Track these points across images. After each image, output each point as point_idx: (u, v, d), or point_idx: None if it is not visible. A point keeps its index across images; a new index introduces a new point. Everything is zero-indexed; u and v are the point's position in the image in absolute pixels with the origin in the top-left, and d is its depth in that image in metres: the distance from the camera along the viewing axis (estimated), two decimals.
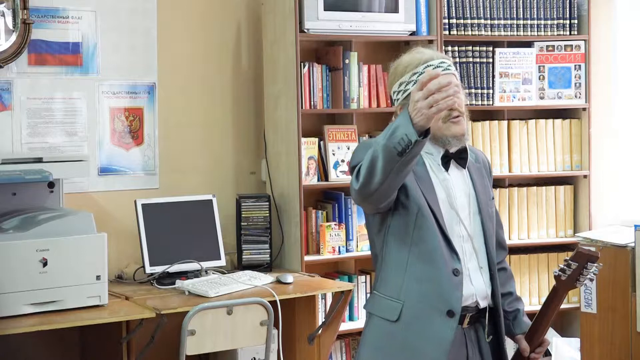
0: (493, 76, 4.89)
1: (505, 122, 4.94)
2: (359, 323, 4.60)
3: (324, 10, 4.45)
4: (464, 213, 2.66)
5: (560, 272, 2.69)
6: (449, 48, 4.79)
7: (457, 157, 2.68)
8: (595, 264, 2.66)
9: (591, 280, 2.69)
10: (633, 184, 4.84)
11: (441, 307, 2.58)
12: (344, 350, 4.72)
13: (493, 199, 2.81)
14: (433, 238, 2.59)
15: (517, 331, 2.80)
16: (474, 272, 2.65)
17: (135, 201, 4.24)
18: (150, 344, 3.84)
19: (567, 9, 4.94)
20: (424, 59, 2.64)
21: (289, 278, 4.22)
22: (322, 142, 4.61)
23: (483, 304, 2.67)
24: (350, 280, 4.61)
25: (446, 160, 2.67)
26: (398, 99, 2.66)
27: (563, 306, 4.94)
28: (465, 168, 2.71)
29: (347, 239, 4.60)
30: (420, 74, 2.60)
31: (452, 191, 2.66)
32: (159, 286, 4.14)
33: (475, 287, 2.64)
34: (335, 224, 4.56)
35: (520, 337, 2.78)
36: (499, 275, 2.80)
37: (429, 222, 2.59)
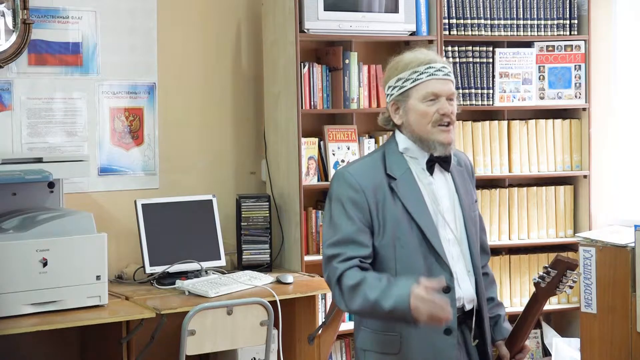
0: (493, 76, 4.89)
1: (505, 122, 4.94)
2: None
3: (324, 10, 4.45)
4: (449, 217, 2.65)
5: (539, 280, 2.69)
6: (449, 48, 4.79)
7: (440, 160, 2.67)
8: (575, 272, 2.66)
9: (571, 287, 2.69)
10: (633, 184, 4.84)
11: (438, 327, 2.57)
12: (344, 350, 4.72)
13: (476, 202, 2.81)
14: (418, 263, 2.58)
15: (497, 337, 2.79)
16: (462, 276, 2.64)
17: (135, 201, 4.24)
18: (150, 344, 3.84)
19: (567, 9, 4.94)
20: (427, 60, 2.63)
21: (289, 278, 4.22)
22: (322, 142, 4.61)
23: (469, 306, 2.66)
24: None
25: (431, 165, 2.66)
26: (392, 94, 2.65)
27: (563, 306, 4.98)
28: (448, 172, 2.70)
29: None
30: (420, 73, 2.60)
31: (437, 195, 2.65)
32: (159, 286, 4.14)
33: (463, 291, 2.64)
34: None
35: (500, 342, 2.77)
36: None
37: (411, 247, 2.58)
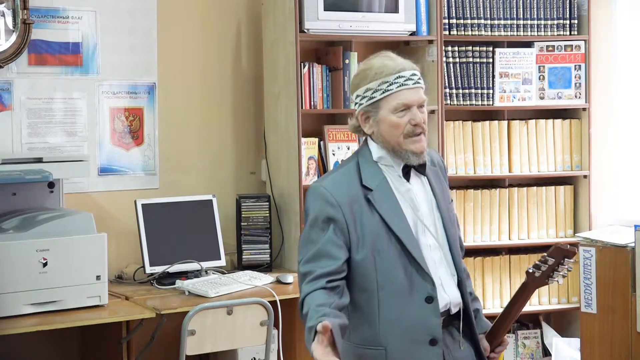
0: (493, 76, 4.89)
1: (505, 122, 4.94)
2: None
3: (324, 10, 4.45)
4: (428, 221, 2.62)
5: (534, 269, 2.67)
6: (449, 48, 4.79)
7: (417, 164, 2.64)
8: (572, 260, 2.65)
9: (564, 276, 2.67)
10: (633, 184, 4.84)
11: (423, 338, 2.56)
12: None
13: (452, 201, 2.78)
14: (399, 274, 2.55)
15: (478, 330, 2.76)
16: (446, 280, 2.62)
17: (135, 201, 4.24)
18: (150, 344, 3.85)
19: (567, 9, 4.94)
20: (397, 69, 2.57)
21: (289, 278, 4.22)
22: (322, 142, 4.61)
23: (454, 309, 2.64)
24: None
25: (407, 171, 2.63)
26: (362, 104, 2.61)
27: (563, 306, 4.98)
28: (425, 175, 2.67)
29: None
30: (390, 84, 2.56)
31: (416, 201, 2.62)
32: (159, 286, 4.14)
33: (449, 295, 2.61)
34: None
35: (481, 336, 2.74)
36: None
37: (390, 259, 2.55)
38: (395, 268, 2.56)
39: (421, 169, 2.64)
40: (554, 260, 2.64)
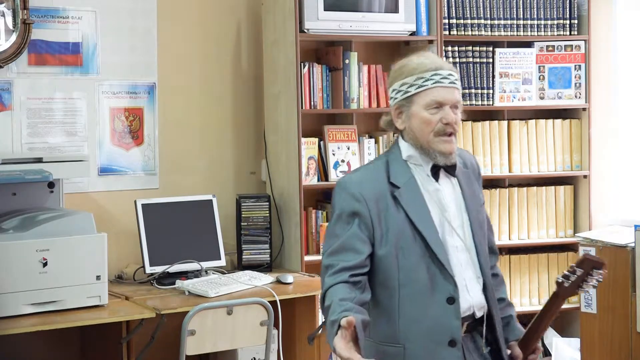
0: (493, 76, 4.89)
1: (505, 122, 4.94)
2: None
3: (324, 10, 4.45)
4: (456, 223, 2.61)
5: (563, 279, 2.67)
6: (449, 48, 4.79)
7: (446, 166, 2.63)
8: (601, 271, 2.65)
9: (594, 287, 2.66)
10: (633, 184, 4.84)
11: (442, 338, 2.54)
12: None
13: (483, 204, 2.76)
14: (421, 273, 2.54)
15: (510, 337, 2.75)
16: (471, 282, 2.60)
17: (135, 201, 4.24)
18: (150, 344, 3.85)
19: (567, 9, 4.94)
20: (434, 66, 2.59)
21: (289, 278, 4.22)
22: (322, 142, 4.61)
23: (479, 313, 2.62)
24: None
25: (435, 171, 2.62)
26: (396, 98, 2.62)
27: (563, 306, 4.96)
28: (454, 176, 2.66)
29: None
30: (426, 80, 2.57)
31: (444, 202, 2.60)
32: (159, 286, 4.14)
33: (473, 298, 2.59)
34: None
35: (513, 343, 2.73)
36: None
37: (414, 257, 2.54)
38: (417, 267, 2.55)
39: (451, 169, 2.64)
40: (582, 270, 2.63)
